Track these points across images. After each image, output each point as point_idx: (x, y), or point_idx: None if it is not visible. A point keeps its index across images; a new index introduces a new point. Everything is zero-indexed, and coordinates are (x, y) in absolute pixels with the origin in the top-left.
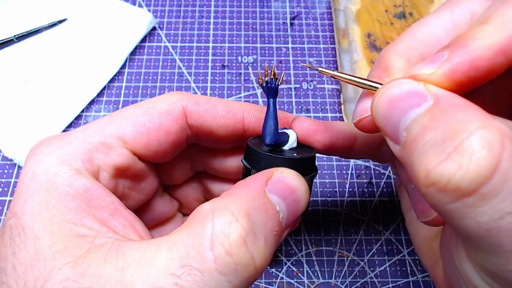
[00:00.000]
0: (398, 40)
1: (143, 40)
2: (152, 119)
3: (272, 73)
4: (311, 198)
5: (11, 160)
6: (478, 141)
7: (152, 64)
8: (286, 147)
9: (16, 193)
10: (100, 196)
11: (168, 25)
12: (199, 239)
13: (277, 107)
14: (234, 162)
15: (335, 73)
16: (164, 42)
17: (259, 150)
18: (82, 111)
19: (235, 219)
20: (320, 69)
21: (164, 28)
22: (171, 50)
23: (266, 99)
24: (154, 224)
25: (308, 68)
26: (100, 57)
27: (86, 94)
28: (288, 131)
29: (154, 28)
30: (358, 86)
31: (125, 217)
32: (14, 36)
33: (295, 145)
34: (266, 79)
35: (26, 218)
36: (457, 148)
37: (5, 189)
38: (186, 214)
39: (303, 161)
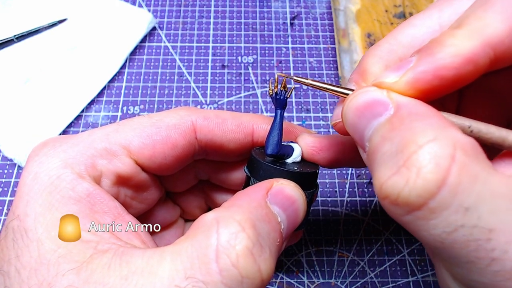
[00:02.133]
0: (380, 42)
1: (143, 40)
2: (160, 131)
3: (283, 85)
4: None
5: (11, 160)
6: (425, 155)
7: (152, 64)
8: (289, 160)
9: (17, 194)
10: (103, 201)
11: (168, 25)
12: (204, 250)
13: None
14: (239, 174)
15: (309, 81)
16: (164, 42)
17: (260, 160)
18: (82, 111)
19: (241, 229)
20: (295, 78)
21: (164, 28)
22: (171, 50)
23: (266, 100)
24: (153, 232)
25: (308, 68)
26: (100, 57)
27: (86, 94)
28: (294, 145)
29: (154, 28)
30: (332, 93)
31: (128, 222)
32: (14, 36)
33: (298, 159)
34: (276, 90)
35: (29, 221)
36: (406, 162)
37: (5, 189)
38: (187, 220)
39: (303, 175)
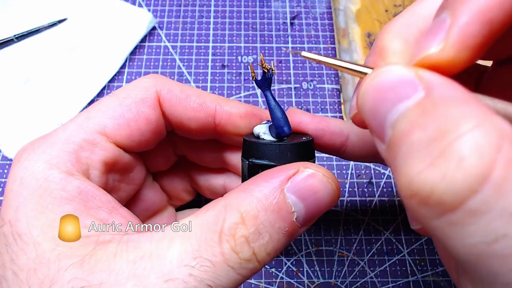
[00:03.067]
0: (395, 18)
1: (143, 40)
2: (130, 109)
3: (264, 64)
4: None
5: (11, 160)
6: (468, 144)
7: (152, 64)
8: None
9: (4, 201)
10: (95, 197)
11: (168, 25)
12: (211, 234)
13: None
14: (209, 153)
15: (320, 58)
16: (164, 42)
17: (272, 143)
18: (82, 111)
19: (241, 221)
20: (303, 53)
21: (164, 28)
22: (171, 50)
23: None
24: (146, 216)
25: (308, 68)
26: (100, 57)
27: (86, 93)
28: None
29: (154, 28)
30: (347, 72)
31: (123, 215)
32: (14, 36)
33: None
34: (265, 70)
35: (21, 225)
36: (443, 152)
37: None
38: (175, 206)
39: (308, 144)
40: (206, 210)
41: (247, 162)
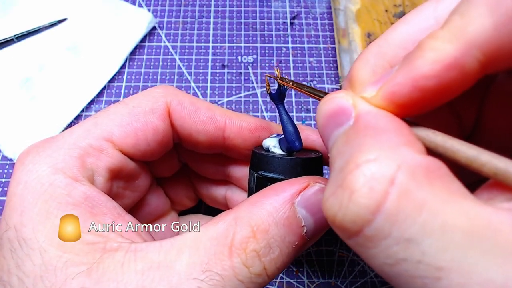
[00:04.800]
0: (370, 45)
1: (143, 39)
2: (139, 118)
3: (280, 80)
4: None
5: (11, 159)
6: (359, 177)
7: (152, 63)
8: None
9: (9, 205)
10: (101, 203)
11: (168, 25)
12: (221, 247)
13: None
14: (212, 165)
15: (291, 84)
16: (164, 42)
17: (283, 157)
18: (82, 111)
19: (253, 235)
20: (280, 80)
21: (164, 28)
22: (171, 49)
23: (266, 100)
24: (149, 221)
25: (308, 68)
26: (100, 57)
27: (86, 93)
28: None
29: (154, 28)
30: (312, 97)
31: (127, 222)
32: (14, 35)
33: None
34: (269, 87)
35: (26, 230)
36: (342, 182)
37: (5, 189)
38: (177, 211)
39: (318, 160)
40: (216, 223)
41: (255, 174)
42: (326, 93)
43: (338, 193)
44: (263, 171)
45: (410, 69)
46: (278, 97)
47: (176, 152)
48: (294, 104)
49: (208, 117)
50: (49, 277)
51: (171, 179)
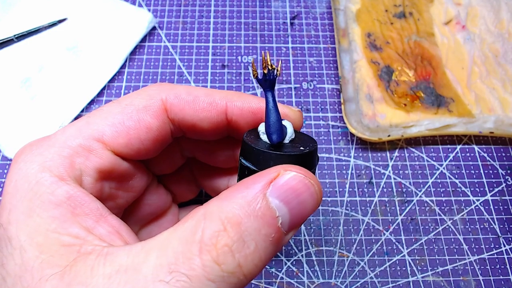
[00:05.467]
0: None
1: (143, 39)
2: (131, 116)
3: (269, 63)
4: None
5: (11, 160)
6: None
7: (152, 63)
8: (286, 140)
9: (1, 203)
10: (83, 203)
11: (168, 25)
12: (189, 245)
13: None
14: (222, 152)
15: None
16: (164, 42)
17: (259, 148)
18: (82, 111)
19: (223, 228)
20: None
21: (164, 28)
22: (171, 49)
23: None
24: (150, 219)
25: (308, 68)
26: (100, 57)
27: (86, 93)
28: (284, 122)
29: (154, 28)
30: None
31: (110, 224)
32: (14, 35)
33: (293, 136)
34: (264, 70)
35: (11, 229)
36: None
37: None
38: (177, 203)
39: (310, 154)
40: (185, 221)
41: (240, 161)
42: None
43: None
44: (243, 157)
45: None
46: (264, 83)
47: (179, 148)
48: (294, 104)
49: (207, 103)
50: (27, 278)
51: (172, 174)
